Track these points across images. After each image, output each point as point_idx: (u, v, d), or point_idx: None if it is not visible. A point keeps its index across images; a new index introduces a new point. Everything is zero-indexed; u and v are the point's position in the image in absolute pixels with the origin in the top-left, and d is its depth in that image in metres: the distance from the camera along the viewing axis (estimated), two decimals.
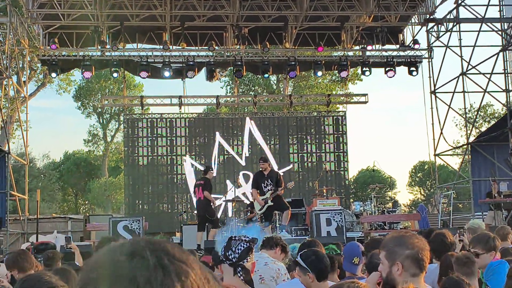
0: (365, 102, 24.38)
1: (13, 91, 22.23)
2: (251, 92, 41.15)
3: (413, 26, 23.10)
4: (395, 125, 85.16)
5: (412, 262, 3.42)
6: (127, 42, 21.67)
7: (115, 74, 21.82)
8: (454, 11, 21.90)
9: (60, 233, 18.96)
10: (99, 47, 20.98)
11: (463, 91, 22.16)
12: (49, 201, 48.82)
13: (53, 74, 22.22)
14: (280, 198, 15.14)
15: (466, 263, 4.88)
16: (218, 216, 20.85)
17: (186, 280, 1.16)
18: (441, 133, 22.71)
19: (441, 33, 22.67)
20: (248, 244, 3.80)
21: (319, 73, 23.29)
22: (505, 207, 17.99)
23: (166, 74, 21.40)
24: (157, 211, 22.24)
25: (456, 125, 46.01)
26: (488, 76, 21.53)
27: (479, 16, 21.36)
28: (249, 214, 16.67)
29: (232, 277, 3.71)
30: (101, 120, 51.80)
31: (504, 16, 22.41)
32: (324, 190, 19.22)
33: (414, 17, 22.95)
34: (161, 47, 21.17)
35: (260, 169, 15.20)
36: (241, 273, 3.69)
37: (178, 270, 1.17)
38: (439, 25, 22.63)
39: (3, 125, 21.55)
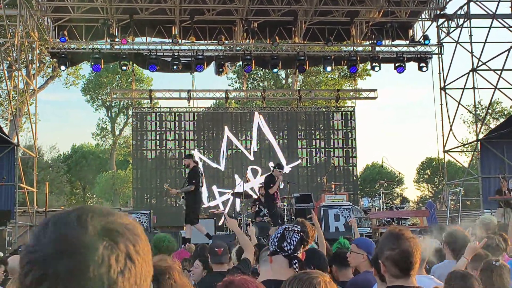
0: (374, 98, 24.30)
1: (23, 83, 22.26)
2: (260, 87, 41.12)
3: (423, 22, 22.97)
4: (404, 121, 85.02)
5: (392, 263, 3.26)
6: (137, 36, 21.63)
7: (124, 67, 21.80)
8: (465, 7, 21.77)
9: None
10: (109, 40, 20.97)
11: (473, 88, 22.03)
12: (57, 193, 48.97)
13: (62, 67, 22.21)
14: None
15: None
16: (226, 210, 20.88)
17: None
18: (451, 129, 22.59)
19: (452, 29, 22.55)
20: (300, 234, 3.76)
21: (328, 68, 23.20)
22: None
23: (175, 68, 21.36)
24: (165, 205, 22.25)
25: (464, 122, 45.86)
26: (499, 72, 21.40)
27: (490, 12, 21.22)
28: (252, 208, 16.63)
29: (287, 268, 3.64)
30: (109, 113, 51.90)
31: None
32: (333, 186, 19.18)
33: (424, 12, 22.81)
34: (171, 40, 21.15)
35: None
36: (297, 265, 3.64)
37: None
38: (450, 21, 22.50)
39: (12, 118, 21.58)
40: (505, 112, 43.70)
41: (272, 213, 15.12)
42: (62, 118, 78.70)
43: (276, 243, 3.73)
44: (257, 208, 16.57)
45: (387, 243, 3.32)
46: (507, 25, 21.66)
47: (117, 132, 52.05)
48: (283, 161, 22.60)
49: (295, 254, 3.68)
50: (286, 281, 2.78)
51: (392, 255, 3.24)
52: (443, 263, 6.07)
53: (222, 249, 6.33)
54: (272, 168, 15.71)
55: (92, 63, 20.94)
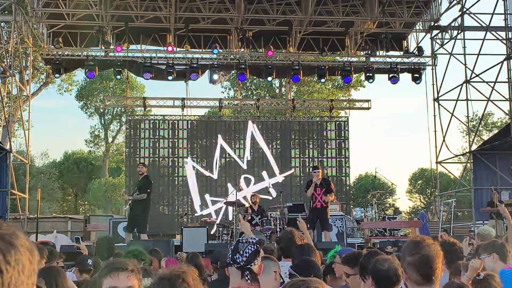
0: (368, 108, 24.38)
1: (16, 89, 22.22)
2: (254, 96, 41.19)
3: (418, 33, 23.09)
4: (397, 132, 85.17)
5: (413, 269, 3.26)
6: (131, 43, 21.63)
7: (118, 76, 21.82)
8: (459, 19, 21.88)
9: (60, 233, 18.98)
10: (103, 48, 20.96)
11: (466, 99, 22.12)
12: (49, 200, 48.75)
13: (57, 74, 22.19)
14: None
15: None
16: (218, 220, 20.85)
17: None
18: (443, 140, 22.66)
19: (445, 41, 22.66)
20: (255, 246, 3.76)
21: (323, 80, 23.25)
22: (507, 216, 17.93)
23: (170, 76, 21.37)
24: (158, 213, 22.17)
25: (461, 131, 45.99)
26: (492, 84, 21.49)
27: (484, 25, 21.32)
28: (244, 217, 16.60)
29: (240, 280, 3.68)
30: (102, 120, 51.80)
31: (509, 25, 22.37)
32: None
33: (418, 24, 22.93)
34: (165, 48, 21.17)
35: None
36: (248, 276, 3.65)
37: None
38: (444, 33, 22.62)
39: (5, 124, 21.52)
40: (498, 124, 43.90)
41: (308, 216, 15.11)
42: (55, 125, 78.45)
43: (230, 255, 3.77)
44: (249, 217, 16.57)
45: (407, 249, 3.35)
46: (500, 38, 21.77)
47: (110, 139, 51.94)
48: (276, 170, 22.61)
49: (248, 266, 3.68)
50: (284, 286, 2.80)
51: (412, 260, 3.27)
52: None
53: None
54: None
55: (86, 70, 20.94)
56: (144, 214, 15.09)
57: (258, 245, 3.79)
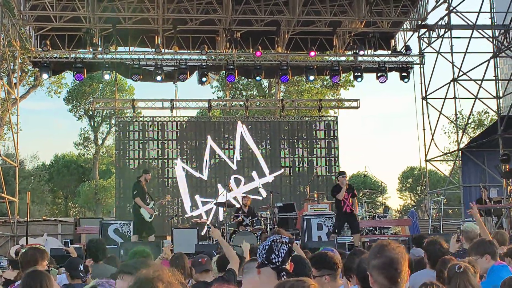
0: (357, 108, 24.45)
1: (4, 93, 22.14)
2: (243, 96, 41.20)
3: (405, 32, 23.19)
4: (386, 131, 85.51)
5: (378, 272, 3.22)
6: (119, 45, 21.61)
7: (106, 76, 21.75)
8: (446, 18, 22.01)
9: (50, 236, 18.92)
10: (91, 50, 20.91)
11: (454, 97, 22.26)
12: (39, 203, 48.62)
13: (45, 76, 22.12)
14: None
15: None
16: (209, 220, 20.85)
17: None
18: (432, 138, 22.78)
19: (433, 39, 22.78)
20: (288, 246, 3.72)
21: (311, 78, 23.30)
22: (495, 213, 18.09)
23: (158, 77, 21.36)
24: None
25: (445, 132, 46.31)
26: (479, 82, 21.63)
27: (471, 23, 21.47)
28: (236, 218, 16.64)
29: (275, 280, 3.56)
30: (92, 123, 51.65)
31: (495, 23, 22.56)
32: (315, 195, 19.24)
33: (406, 23, 23.03)
34: (153, 50, 21.16)
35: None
36: (285, 277, 3.57)
37: None
38: (431, 31, 22.74)
39: None
40: (486, 121, 44.15)
41: (337, 221, 15.35)
42: (45, 127, 78.22)
43: (264, 255, 3.70)
44: (239, 218, 16.59)
45: (372, 253, 3.32)
46: (486, 36, 21.92)
47: (99, 142, 51.80)
48: (266, 170, 22.64)
49: (283, 266, 3.64)
50: (282, 285, 2.80)
51: (377, 263, 3.23)
52: (421, 272, 6.16)
53: (206, 258, 6.37)
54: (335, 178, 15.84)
55: (75, 72, 20.90)
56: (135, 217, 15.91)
57: (290, 245, 3.74)
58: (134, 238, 15.50)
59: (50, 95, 38.64)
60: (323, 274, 4.72)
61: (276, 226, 15.78)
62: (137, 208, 15.73)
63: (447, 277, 4.64)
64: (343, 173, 15.78)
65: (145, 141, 22.43)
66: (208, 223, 19.43)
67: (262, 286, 3.66)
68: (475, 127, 44.68)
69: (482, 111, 44.58)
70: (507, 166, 18.17)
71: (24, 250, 6.56)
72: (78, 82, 35.92)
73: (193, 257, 7.52)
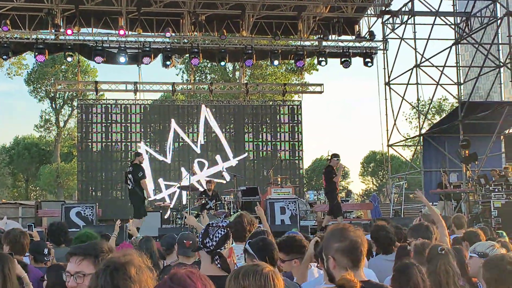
0: (321, 92, 24.57)
1: None
2: (207, 80, 41.04)
3: (369, 18, 23.32)
4: (349, 116, 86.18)
5: (342, 255, 3.30)
6: (82, 26, 21.26)
7: (69, 59, 21.42)
8: (409, 4, 22.22)
9: (11, 219, 18.66)
10: (53, 31, 20.55)
11: (417, 83, 22.54)
12: None
13: (4, 57, 21.67)
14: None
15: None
16: (172, 204, 20.83)
17: None
18: (394, 124, 23.06)
19: (396, 26, 22.99)
20: (225, 230, 3.78)
21: (276, 62, 23.34)
22: (455, 197, 18.45)
23: (122, 59, 21.13)
24: (111, 198, 22.04)
25: (406, 119, 46.94)
26: (441, 69, 21.94)
27: (433, 10, 21.71)
28: (198, 201, 16.71)
29: (210, 264, 3.70)
30: (53, 105, 50.88)
31: (457, 10, 22.85)
32: (279, 179, 19.34)
33: (370, 8, 23.15)
34: (117, 32, 20.90)
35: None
36: (218, 261, 3.68)
37: None
38: (395, 17, 22.93)
39: None
40: (445, 108, 44.85)
41: (333, 204, 15.37)
42: (4, 109, 76.82)
43: (200, 239, 3.78)
44: (203, 201, 16.61)
45: (334, 237, 3.37)
46: (449, 23, 22.21)
47: (61, 124, 51.07)
48: (230, 154, 22.65)
49: (218, 250, 3.70)
50: (237, 272, 2.82)
51: (341, 246, 3.30)
52: (376, 257, 6.27)
53: (191, 242, 6.32)
54: (328, 160, 15.82)
55: (36, 53, 20.53)
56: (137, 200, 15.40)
57: (228, 229, 3.80)
58: (137, 222, 14.95)
59: (10, 77, 38.00)
60: (292, 258, 4.76)
61: (239, 210, 15.83)
62: (139, 191, 15.27)
63: (428, 257, 4.70)
64: (337, 155, 15.49)
65: (108, 124, 22.21)
66: (171, 206, 19.40)
67: (201, 270, 3.68)
68: (435, 113, 45.37)
69: (442, 97, 45.31)
70: (466, 152, 18.52)
71: None
72: (39, 63, 35.29)
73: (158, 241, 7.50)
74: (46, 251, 6.26)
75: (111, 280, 2.64)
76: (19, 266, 4.63)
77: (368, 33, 22.59)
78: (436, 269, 4.51)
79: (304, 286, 4.43)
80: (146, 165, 22.04)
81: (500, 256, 4.37)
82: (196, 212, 16.39)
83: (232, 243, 3.92)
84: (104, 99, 24.36)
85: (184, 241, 6.28)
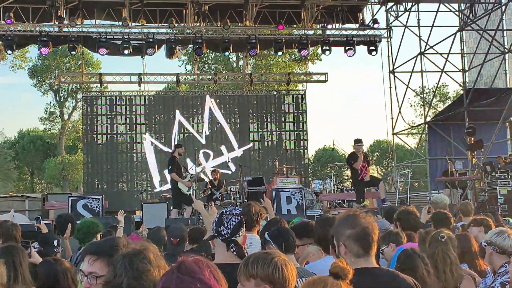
0: (325, 81, 24.53)
1: None
2: (211, 70, 40.99)
3: (373, 6, 23.21)
4: (354, 104, 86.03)
5: (354, 242, 3.29)
6: (85, 18, 21.25)
7: (73, 52, 21.36)
8: None
9: (17, 212, 18.72)
10: (57, 23, 20.53)
11: (421, 71, 22.46)
12: (4, 179, 47.99)
13: (9, 51, 21.66)
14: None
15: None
16: None
17: None
18: (399, 112, 23.00)
19: (400, 13, 22.88)
20: (239, 218, 3.76)
21: (280, 53, 23.28)
22: (460, 185, 18.41)
23: (126, 51, 21.10)
24: (117, 190, 22.09)
25: (411, 105, 46.80)
26: (445, 56, 21.85)
27: None
28: (205, 192, 16.79)
29: (225, 252, 3.69)
30: (57, 97, 50.91)
31: None
32: (284, 169, 19.33)
33: None
34: (120, 23, 20.86)
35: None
36: (234, 248, 3.67)
37: None
38: (398, 5, 22.82)
39: None
40: (451, 95, 44.72)
41: (356, 189, 15.42)
42: (9, 103, 76.87)
43: (214, 228, 3.78)
44: (209, 192, 16.63)
45: (345, 224, 3.36)
46: (453, 10, 22.08)
47: (66, 117, 51.12)
48: (235, 144, 22.66)
49: (233, 238, 3.69)
50: (247, 260, 2.83)
51: (353, 233, 3.29)
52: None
53: (178, 239, 6.31)
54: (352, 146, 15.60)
55: (40, 46, 20.50)
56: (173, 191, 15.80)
57: (241, 216, 3.79)
58: (174, 212, 15.35)
59: (14, 70, 37.99)
60: (305, 243, 4.78)
61: (246, 200, 15.85)
62: (174, 183, 15.61)
63: (429, 242, 4.72)
64: (359, 141, 15.28)
65: (113, 116, 22.24)
66: (193, 197, 19.41)
67: (216, 258, 3.73)
68: (441, 100, 45.23)
69: (443, 84, 45.10)
70: (472, 139, 18.47)
71: None
72: (43, 56, 35.24)
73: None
74: (55, 242, 6.28)
75: (130, 265, 2.63)
76: (35, 254, 4.65)
77: (372, 21, 22.51)
78: (434, 255, 4.55)
79: (309, 266, 4.44)
80: (151, 156, 22.15)
81: None
82: (202, 203, 16.40)
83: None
84: (108, 91, 24.34)
85: (172, 239, 6.27)
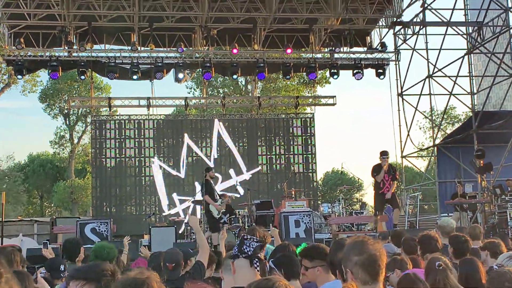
0: (333, 104, 24.52)
1: None
2: (219, 94, 41.12)
3: (381, 29, 23.30)
4: (363, 127, 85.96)
5: (361, 269, 3.27)
6: (95, 43, 21.45)
7: (82, 77, 21.50)
8: (421, 15, 22.16)
9: (26, 236, 18.73)
10: (66, 48, 20.71)
11: (429, 94, 22.45)
12: (14, 203, 48.07)
13: (19, 76, 21.87)
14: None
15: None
16: (186, 219, 20.80)
17: None
18: (408, 135, 22.95)
19: (408, 36, 22.93)
20: (260, 242, 3.85)
21: (288, 75, 23.38)
22: (470, 208, 18.28)
23: (134, 76, 21.22)
24: (125, 213, 22.08)
25: (420, 128, 46.70)
26: (454, 79, 21.84)
27: (445, 20, 21.64)
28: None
29: (248, 268, 3.70)
30: (67, 121, 51.14)
31: (469, 20, 22.76)
32: (293, 192, 19.27)
33: (381, 20, 23.15)
34: (129, 48, 21.02)
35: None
36: (258, 263, 3.68)
37: None
38: (406, 28, 22.87)
39: None
40: (461, 117, 44.61)
41: (377, 203, 15.40)
42: (19, 126, 77.32)
43: (236, 248, 3.82)
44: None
45: (353, 250, 3.34)
46: (461, 33, 22.12)
47: (75, 140, 51.30)
48: (243, 168, 22.65)
49: (257, 255, 3.74)
50: (248, 287, 2.81)
51: (360, 259, 3.27)
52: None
53: (173, 264, 6.27)
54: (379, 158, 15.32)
55: (50, 70, 20.67)
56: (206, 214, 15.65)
57: (261, 242, 3.90)
58: (215, 236, 15.05)
59: (24, 94, 38.27)
60: (316, 265, 4.76)
61: (254, 224, 15.79)
62: (207, 206, 15.53)
63: (426, 270, 4.71)
64: (384, 153, 15.16)
65: (122, 140, 22.31)
66: (185, 221, 19.38)
67: (237, 276, 3.74)
68: (448, 123, 45.11)
69: (451, 106, 44.98)
70: (481, 162, 18.36)
71: None
72: (53, 80, 35.50)
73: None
74: (62, 267, 6.26)
75: None
76: (41, 279, 4.64)
77: (380, 44, 22.57)
78: (434, 283, 4.52)
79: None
80: (160, 180, 22.15)
81: (502, 271, 4.33)
82: (198, 219, 16.32)
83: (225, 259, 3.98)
84: (117, 115, 24.48)
85: (167, 264, 6.25)
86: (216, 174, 22.44)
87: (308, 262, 4.73)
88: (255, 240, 3.84)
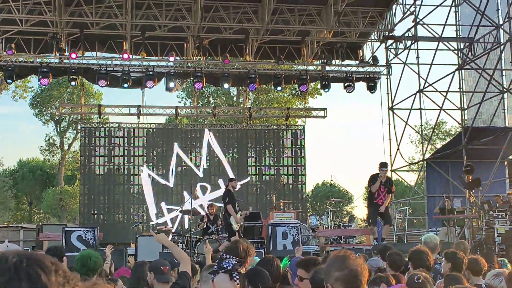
0: (324, 117, 24.57)
1: None
2: (210, 104, 41.12)
3: (373, 43, 23.39)
4: (353, 140, 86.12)
5: (341, 284, 3.24)
6: (86, 50, 21.41)
7: (73, 83, 21.47)
8: (413, 29, 22.29)
9: (12, 242, 18.56)
10: (57, 54, 20.66)
11: (420, 108, 22.53)
12: (2, 209, 47.83)
13: (9, 80, 21.77)
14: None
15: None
16: (174, 228, 20.73)
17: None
18: (398, 149, 23.00)
19: (400, 51, 23.06)
20: (239, 259, 3.93)
21: (279, 88, 23.38)
22: (458, 223, 18.31)
23: (125, 84, 21.18)
24: (113, 222, 21.96)
25: (412, 141, 46.80)
26: (444, 94, 21.94)
27: (437, 35, 21.76)
28: (200, 225, 16.76)
29: (229, 282, 3.70)
30: (58, 128, 50.99)
31: (460, 36, 22.90)
32: (281, 204, 19.24)
33: (373, 33, 23.24)
34: (121, 56, 20.99)
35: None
36: (237, 276, 3.69)
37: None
38: (398, 43, 22.99)
39: None
40: (451, 132, 44.75)
41: (370, 212, 15.33)
42: (9, 132, 76.97)
43: (216, 265, 3.86)
44: (205, 226, 16.53)
45: (334, 265, 3.32)
46: (452, 48, 22.25)
47: (66, 147, 51.13)
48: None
49: (236, 269, 3.77)
50: None
51: (341, 275, 3.24)
52: None
53: (168, 267, 6.26)
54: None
55: (40, 76, 20.60)
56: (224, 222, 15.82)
57: (241, 260, 3.98)
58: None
59: (15, 99, 38.14)
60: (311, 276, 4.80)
61: (241, 235, 15.73)
62: (227, 215, 15.47)
63: (407, 284, 4.71)
64: (384, 165, 15.15)
65: (111, 148, 22.22)
66: (173, 230, 19.30)
67: None
68: (442, 137, 45.25)
69: (440, 120, 45.11)
70: (470, 177, 18.40)
71: None
72: (44, 86, 35.41)
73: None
74: None
75: None
76: None
77: (371, 58, 22.63)
78: None
79: None
80: (149, 188, 22.07)
81: None
82: (197, 237, 16.31)
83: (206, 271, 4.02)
84: (107, 123, 24.37)
85: (161, 267, 6.21)
86: (205, 184, 22.42)
87: (305, 272, 4.78)
88: (234, 259, 3.88)
